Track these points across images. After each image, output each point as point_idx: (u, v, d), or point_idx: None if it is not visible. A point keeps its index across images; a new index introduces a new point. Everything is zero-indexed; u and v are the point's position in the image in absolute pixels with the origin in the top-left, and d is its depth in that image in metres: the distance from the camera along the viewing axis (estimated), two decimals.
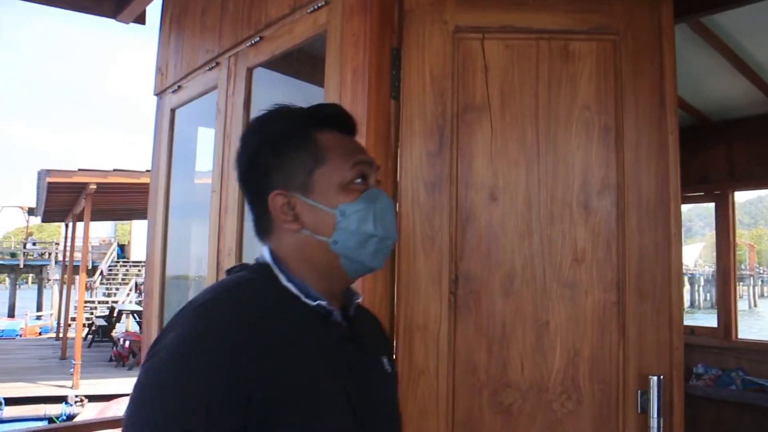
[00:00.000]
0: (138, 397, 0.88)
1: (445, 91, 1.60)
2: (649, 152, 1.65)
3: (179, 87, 2.70)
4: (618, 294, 1.61)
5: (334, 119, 1.09)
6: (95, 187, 11.11)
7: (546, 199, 1.61)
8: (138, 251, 30.43)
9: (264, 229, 1.08)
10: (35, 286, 33.22)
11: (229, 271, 1.08)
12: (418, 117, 1.59)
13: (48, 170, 11.01)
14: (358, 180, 1.04)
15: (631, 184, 1.63)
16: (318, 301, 1.00)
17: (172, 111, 2.78)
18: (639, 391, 1.59)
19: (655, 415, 1.56)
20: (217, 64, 2.38)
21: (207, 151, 2.56)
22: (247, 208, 1.12)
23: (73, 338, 13.10)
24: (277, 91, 2.52)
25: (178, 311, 0.97)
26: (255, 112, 2.27)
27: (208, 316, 0.92)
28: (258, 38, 2.14)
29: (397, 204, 1.58)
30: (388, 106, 1.60)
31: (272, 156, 1.05)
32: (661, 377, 1.57)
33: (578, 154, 1.62)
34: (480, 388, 1.56)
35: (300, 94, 2.51)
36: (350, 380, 1.00)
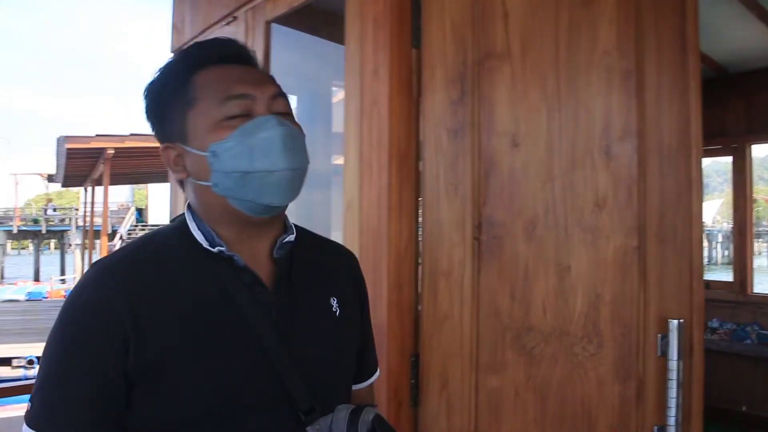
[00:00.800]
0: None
1: (466, 38, 1.59)
2: (670, 97, 1.62)
3: None
4: (639, 239, 1.61)
5: (213, 55, 1.03)
6: (113, 151, 11.32)
7: (567, 146, 1.60)
8: (156, 215, 30.85)
9: (178, 182, 1.08)
10: (57, 252, 33.65)
11: (172, 220, 1.11)
12: (439, 65, 1.59)
13: (66, 137, 11.17)
14: (234, 116, 0.98)
15: (651, 129, 1.62)
16: (218, 248, 0.99)
17: None
18: (659, 335, 1.60)
19: (675, 358, 1.57)
20: (235, 18, 2.36)
21: None
22: None
23: None
24: (295, 48, 2.51)
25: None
26: (274, 67, 2.29)
27: (95, 271, 0.97)
28: None
29: (422, 151, 1.58)
30: (410, 55, 1.60)
31: (155, 110, 1.04)
32: (681, 321, 1.58)
33: (599, 100, 1.61)
34: (503, 331, 1.58)
35: (319, 51, 2.50)
36: (263, 321, 0.98)
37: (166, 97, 1.03)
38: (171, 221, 1.13)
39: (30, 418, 0.92)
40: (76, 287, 0.97)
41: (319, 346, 1.06)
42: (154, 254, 1.01)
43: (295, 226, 1.13)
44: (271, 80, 1.05)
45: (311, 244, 1.16)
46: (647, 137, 1.62)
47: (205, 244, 1.00)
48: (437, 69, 1.58)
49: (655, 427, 1.59)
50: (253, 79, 1.02)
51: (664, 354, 1.60)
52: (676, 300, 1.62)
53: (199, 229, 1.03)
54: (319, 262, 1.15)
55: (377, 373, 1.29)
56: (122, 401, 0.92)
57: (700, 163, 1.65)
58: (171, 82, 1.03)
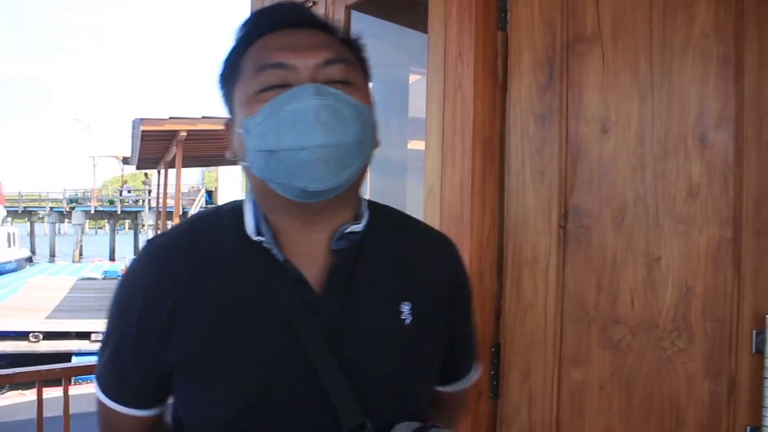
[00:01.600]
0: None
1: (555, 21, 1.53)
2: None
3: None
4: (734, 230, 1.53)
5: (275, 22, 0.91)
6: (185, 134, 11.50)
7: (659, 133, 1.53)
8: (225, 197, 31.42)
9: None
10: (131, 232, 34.79)
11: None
12: (526, 49, 1.54)
13: (141, 119, 11.49)
14: (269, 87, 0.85)
15: (750, 116, 1.52)
16: (258, 237, 0.89)
17: None
18: (754, 331, 1.52)
19: None
20: (314, 3, 2.36)
21: None
22: None
23: None
24: (373, 35, 2.49)
25: None
26: None
27: (145, 251, 0.94)
28: None
29: (507, 137, 1.54)
30: (495, 38, 1.55)
31: (221, 84, 0.96)
32: None
33: (694, 86, 1.53)
34: (588, 323, 1.53)
35: (396, 38, 2.47)
36: (309, 326, 0.86)
37: (226, 70, 0.94)
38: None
39: (96, 374, 0.97)
40: (130, 265, 0.96)
41: (377, 358, 0.91)
42: (204, 238, 0.93)
43: (380, 209, 1.00)
44: (326, 44, 0.89)
45: (393, 233, 0.99)
46: (745, 125, 1.53)
47: (251, 230, 0.90)
48: (525, 53, 1.53)
49: (748, 427, 1.52)
50: (299, 44, 0.87)
51: (760, 351, 1.53)
52: None
53: (252, 213, 0.92)
54: (395, 257, 0.97)
55: (472, 375, 1.14)
56: (162, 380, 0.91)
57: None
58: (232, 54, 0.93)
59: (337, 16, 2.18)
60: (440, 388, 1.09)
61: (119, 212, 32.22)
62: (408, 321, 0.92)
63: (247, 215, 0.92)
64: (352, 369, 0.86)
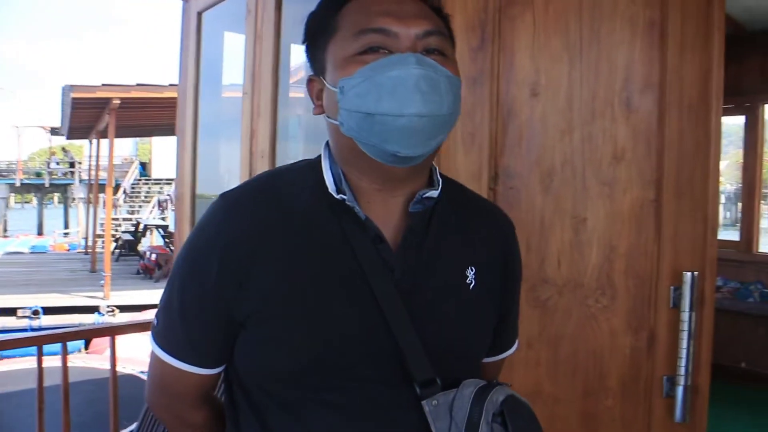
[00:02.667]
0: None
1: None
2: (692, 49, 1.57)
3: None
4: (656, 192, 1.58)
5: None
6: (119, 102, 10.84)
7: (587, 96, 1.55)
8: (160, 169, 29.47)
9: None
10: (61, 206, 33.24)
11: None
12: (459, 11, 1.52)
13: (72, 86, 10.76)
14: (369, 50, 0.86)
15: (672, 82, 1.57)
16: (340, 195, 0.89)
17: (199, 14, 2.66)
18: (672, 287, 1.58)
19: (687, 310, 1.55)
20: None
21: (234, 62, 2.47)
22: None
23: (101, 253, 13.35)
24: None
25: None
26: (286, 10, 2.21)
27: (221, 205, 0.92)
28: None
29: None
30: None
31: (309, 39, 0.96)
32: (695, 273, 1.56)
33: (622, 51, 1.55)
34: None
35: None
36: (386, 282, 0.88)
37: (316, 25, 0.94)
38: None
39: (156, 334, 0.95)
40: (199, 220, 0.95)
41: (445, 318, 0.94)
42: (284, 192, 0.93)
43: (447, 180, 1.02)
44: (425, 14, 0.91)
45: (460, 202, 1.02)
46: (668, 90, 1.57)
47: (331, 188, 0.91)
48: (457, 15, 1.51)
49: (664, 377, 1.59)
50: (402, 12, 0.88)
51: (677, 306, 1.58)
52: (690, 253, 1.60)
53: (331, 170, 0.93)
54: (462, 224, 1.00)
55: (512, 349, 1.16)
56: (232, 334, 0.91)
57: (719, 117, 1.61)
58: (324, 10, 0.94)
59: None
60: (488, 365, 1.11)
61: (47, 185, 30.67)
62: (472, 285, 0.96)
63: (326, 173, 0.93)
64: (421, 326, 0.89)
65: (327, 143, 0.97)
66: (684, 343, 1.56)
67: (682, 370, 1.56)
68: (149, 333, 0.98)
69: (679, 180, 1.58)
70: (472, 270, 0.96)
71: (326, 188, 0.91)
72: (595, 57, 1.54)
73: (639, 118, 1.56)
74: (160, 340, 0.95)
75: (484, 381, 0.92)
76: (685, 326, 1.55)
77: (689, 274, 1.55)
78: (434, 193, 0.93)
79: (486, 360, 1.08)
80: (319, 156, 0.97)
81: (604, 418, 1.59)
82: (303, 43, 0.98)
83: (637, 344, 1.59)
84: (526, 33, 1.53)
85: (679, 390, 1.56)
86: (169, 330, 0.94)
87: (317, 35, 0.94)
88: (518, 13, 1.53)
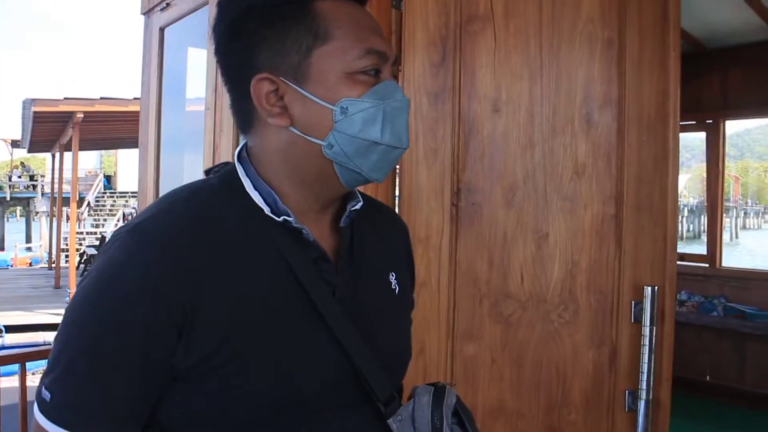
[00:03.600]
0: (59, 329, 0.76)
1: (449, 0, 1.52)
2: (650, 68, 1.58)
3: (168, 4, 2.52)
4: (616, 207, 1.58)
5: None
6: (82, 116, 10.44)
7: (548, 112, 1.55)
8: (125, 182, 28.62)
9: (245, 122, 0.83)
10: (23, 219, 32.19)
11: (207, 172, 0.88)
12: (420, 28, 1.51)
13: (33, 99, 10.33)
14: (368, 71, 0.79)
15: (631, 99, 1.57)
16: (283, 217, 0.80)
17: (161, 30, 2.60)
18: (633, 302, 1.58)
19: (648, 324, 1.55)
20: None
21: (197, 76, 2.41)
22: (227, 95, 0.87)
23: (65, 268, 12.79)
24: None
25: (117, 228, 0.81)
26: None
27: (137, 245, 0.75)
28: None
29: None
30: (389, 15, 1.52)
31: (259, 26, 0.79)
32: (656, 288, 1.56)
33: (581, 68, 1.56)
34: (481, 298, 1.54)
35: None
36: (332, 306, 0.81)
37: (282, 16, 0.79)
38: (210, 172, 0.89)
39: (50, 410, 0.73)
40: (108, 259, 0.76)
41: (384, 328, 0.90)
42: (205, 217, 0.79)
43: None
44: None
45: (369, 210, 0.95)
46: (627, 107, 1.57)
47: (267, 209, 0.80)
48: (418, 31, 1.50)
49: (627, 392, 1.58)
50: (382, 34, 0.84)
51: (638, 320, 1.58)
52: (650, 268, 1.60)
53: (256, 188, 0.82)
54: (377, 232, 0.96)
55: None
56: (157, 397, 0.77)
57: (677, 134, 1.62)
58: (286, 2, 0.79)
59: None
60: None
61: (8, 198, 29.72)
62: (397, 290, 0.94)
63: (253, 193, 0.82)
64: (369, 341, 0.84)
65: (241, 160, 0.85)
66: (645, 358, 1.55)
67: (644, 384, 1.55)
68: (36, 409, 0.75)
69: (638, 195, 1.58)
70: (393, 276, 0.94)
71: (254, 209, 0.81)
72: (555, 74, 1.54)
73: (599, 135, 1.57)
74: (58, 416, 0.73)
75: (431, 385, 0.90)
76: (646, 341, 1.55)
77: (650, 288, 1.56)
78: (359, 205, 0.88)
79: None
80: (226, 174, 0.85)
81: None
82: (261, 25, 0.80)
83: (599, 359, 1.58)
84: (487, 49, 1.52)
85: (641, 404, 1.55)
86: (75, 401, 0.73)
87: (284, 29, 0.79)
88: (479, 30, 1.52)
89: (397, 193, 1.55)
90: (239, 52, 0.80)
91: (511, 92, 1.53)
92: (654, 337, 1.55)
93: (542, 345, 1.56)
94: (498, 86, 1.53)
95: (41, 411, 0.74)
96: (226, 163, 0.87)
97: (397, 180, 1.53)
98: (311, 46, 0.78)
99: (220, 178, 0.84)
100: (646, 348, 1.56)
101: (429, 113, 1.52)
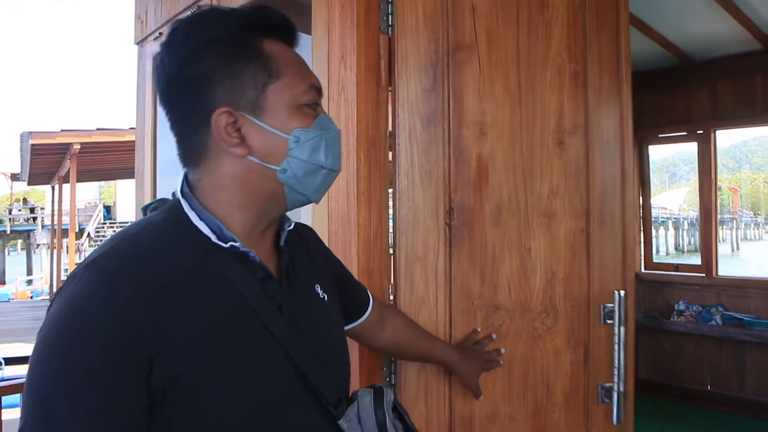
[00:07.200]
0: (27, 379, 0.57)
1: (437, 28, 1.14)
2: (608, 97, 1.29)
3: (161, 34, 2.00)
4: (585, 222, 1.26)
5: (278, 27, 0.69)
6: (79, 147, 8.41)
7: (527, 137, 1.21)
8: (124, 211, 24.03)
9: (194, 155, 0.67)
10: (24, 252, 26.66)
11: (144, 209, 0.72)
12: (412, 53, 1.14)
13: (30, 132, 8.33)
14: (312, 104, 0.68)
15: (594, 124, 1.27)
16: (230, 243, 0.65)
17: (155, 58, 2.08)
18: (601, 305, 1.27)
19: (618, 324, 1.25)
20: (199, 8, 1.77)
21: None
22: (171, 129, 0.70)
23: None
24: None
25: (75, 268, 0.62)
26: None
27: (97, 278, 0.58)
28: None
29: (396, 138, 1.13)
30: (377, 41, 1.13)
31: (214, 65, 0.64)
32: (623, 292, 1.25)
33: (553, 97, 1.23)
34: (474, 312, 1.17)
35: None
36: (279, 320, 0.66)
37: (236, 55, 0.65)
38: (148, 210, 0.71)
39: None
40: (70, 293, 0.58)
41: (324, 337, 0.75)
42: (158, 250, 0.63)
43: None
44: None
45: (293, 226, 0.79)
46: (591, 132, 1.26)
47: (214, 237, 0.65)
48: (410, 56, 1.13)
49: (599, 386, 1.26)
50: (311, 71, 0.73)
51: (605, 322, 1.27)
52: (613, 275, 1.30)
53: (201, 219, 0.66)
54: (302, 246, 0.79)
55: (371, 299, 0.95)
56: (142, 423, 0.57)
57: (630, 154, 1.33)
58: (237, 40, 0.65)
59: None
60: (367, 322, 0.93)
61: (9, 232, 24.64)
62: (326, 298, 0.77)
63: (199, 224, 0.66)
64: (314, 351, 0.69)
65: (185, 194, 0.68)
66: (617, 354, 1.24)
67: (617, 378, 1.24)
68: None
69: (603, 211, 1.28)
70: (318, 287, 0.77)
71: (200, 238, 0.65)
72: (531, 102, 1.21)
73: (569, 157, 1.25)
74: None
75: (369, 387, 0.79)
76: (617, 339, 1.24)
77: (619, 293, 1.25)
78: (291, 226, 0.74)
79: (370, 318, 0.92)
80: (168, 209, 0.68)
81: (552, 430, 1.23)
82: (216, 64, 0.65)
83: (576, 359, 1.25)
84: (473, 77, 1.17)
85: (615, 396, 1.24)
86: None
87: (240, 68, 0.65)
88: (465, 58, 1.16)
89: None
90: (193, 89, 0.65)
91: (495, 117, 1.18)
92: (622, 336, 1.25)
93: (528, 351, 1.21)
94: (483, 112, 1.17)
95: None
96: (163, 200, 0.72)
97: (395, 201, 1.14)
98: (266, 82, 0.66)
99: (165, 212, 0.68)
100: (617, 346, 1.24)
101: (422, 136, 1.14)
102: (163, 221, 0.67)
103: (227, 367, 0.61)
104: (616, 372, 1.25)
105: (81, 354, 0.54)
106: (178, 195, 0.69)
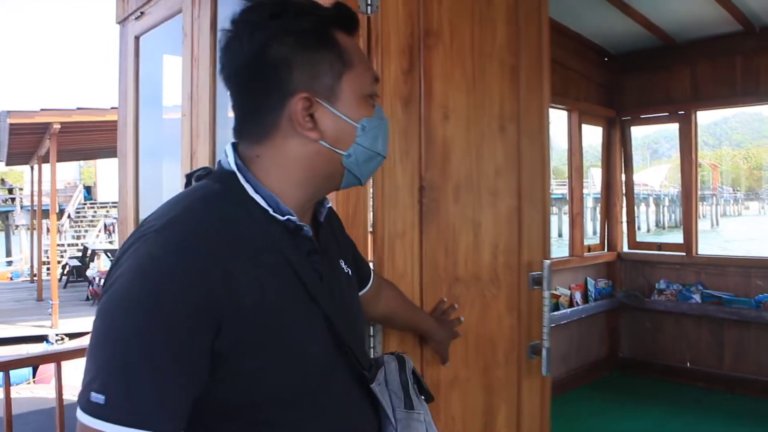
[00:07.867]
0: (99, 334, 0.58)
1: (413, 12, 1.18)
2: (534, 89, 1.46)
3: (142, 13, 1.79)
4: (518, 200, 1.43)
5: (349, 21, 0.71)
6: (59, 126, 7.35)
7: (479, 121, 1.32)
8: (105, 192, 20.75)
9: (259, 132, 0.68)
10: (2, 233, 20.25)
11: (189, 176, 0.72)
12: (394, 34, 1.15)
13: (8, 111, 7.18)
14: (373, 94, 0.72)
15: (524, 115, 1.44)
16: (287, 216, 0.68)
17: (137, 38, 1.86)
18: (530, 273, 1.46)
19: (546, 289, 1.44)
20: None
21: (175, 83, 1.73)
22: (234, 105, 0.70)
23: (47, 280, 8.95)
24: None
25: (131, 235, 0.63)
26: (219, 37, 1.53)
27: (171, 238, 0.60)
28: None
29: None
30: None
31: (295, 50, 0.66)
32: (548, 261, 1.46)
33: (496, 86, 1.36)
34: (440, 283, 1.24)
35: None
36: (322, 291, 0.70)
37: (316, 45, 0.67)
38: (193, 177, 0.72)
39: (110, 410, 0.54)
40: (141, 257, 0.59)
41: (354, 308, 0.81)
42: (224, 218, 0.64)
43: None
44: None
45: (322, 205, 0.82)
46: (522, 121, 1.43)
47: (272, 211, 0.67)
48: (392, 39, 1.13)
49: (528, 345, 1.45)
50: None
51: (534, 288, 1.46)
52: (536, 247, 1.49)
53: (260, 194, 0.68)
54: (331, 224, 0.82)
55: (372, 274, 0.99)
56: (204, 382, 0.60)
57: (548, 143, 1.53)
58: (317, 30, 0.67)
59: (203, 1, 1.42)
60: (368, 294, 0.97)
61: None
62: (350, 273, 0.82)
63: (258, 198, 0.68)
64: (349, 320, 0.75)
65: (239, 167, 0.69)
66: (545, 315, 1.44)
67: (545, 336, 1.44)
68: (85, 416, 0.55)
69: (529, 191, 1.46)
70: (342, 262, 0.81)
71: (255, 210, 0.67)
72: (482, 89, 1.32)
73: (508, 141, 1.40)
74: (116, 415, 0.54)
75: (391, 353, 0.88)
76: (546, 302, 1.44)
77: (547, 262, 1.45)
78: (330, 203, 0.80)
79: (365, 295, 0.95)
80: (222, 179, 0.69)
81: (496, 386, 1.38)
82: (297, 50, 0.66)
83: (512, 322, 1.42)
84: (439, 62, 1.23)
85: (544, 351, 1.44)
86: (133, 399, 0.55)
87: (319, 57, 0.67)
88: (433, 44, 1.22)
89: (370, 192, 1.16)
90: (272, 71, 0.66)
91: (455, 102, 1.27)
92: (548, 299, 1.45)
93: (480, 318, 1.34)
94: (446, 96, 1.25)
95: (96, 416, 0.55)
96: (206, 168, 0.73)
97: (373, 179, 1.14)
98: (342, 72, 0.68)
99: (220, 182, 0.68)
100: (546, 308, 1.44)
101: (402, 117, 1.16)
102: (221, 191, 0.67)
103: (283, 333, 0.64)
104: (545, 330, 1.44)
105: (161, 311, 0.55)
106: (233, 167, 0.69)
